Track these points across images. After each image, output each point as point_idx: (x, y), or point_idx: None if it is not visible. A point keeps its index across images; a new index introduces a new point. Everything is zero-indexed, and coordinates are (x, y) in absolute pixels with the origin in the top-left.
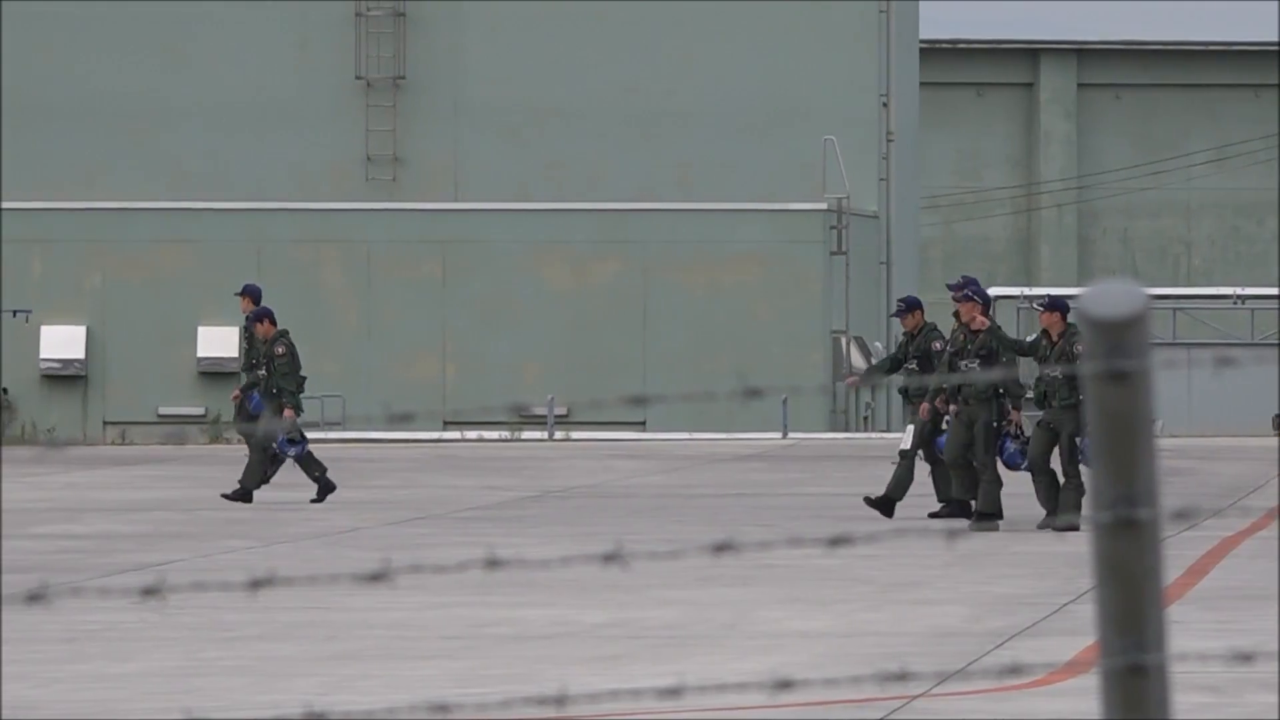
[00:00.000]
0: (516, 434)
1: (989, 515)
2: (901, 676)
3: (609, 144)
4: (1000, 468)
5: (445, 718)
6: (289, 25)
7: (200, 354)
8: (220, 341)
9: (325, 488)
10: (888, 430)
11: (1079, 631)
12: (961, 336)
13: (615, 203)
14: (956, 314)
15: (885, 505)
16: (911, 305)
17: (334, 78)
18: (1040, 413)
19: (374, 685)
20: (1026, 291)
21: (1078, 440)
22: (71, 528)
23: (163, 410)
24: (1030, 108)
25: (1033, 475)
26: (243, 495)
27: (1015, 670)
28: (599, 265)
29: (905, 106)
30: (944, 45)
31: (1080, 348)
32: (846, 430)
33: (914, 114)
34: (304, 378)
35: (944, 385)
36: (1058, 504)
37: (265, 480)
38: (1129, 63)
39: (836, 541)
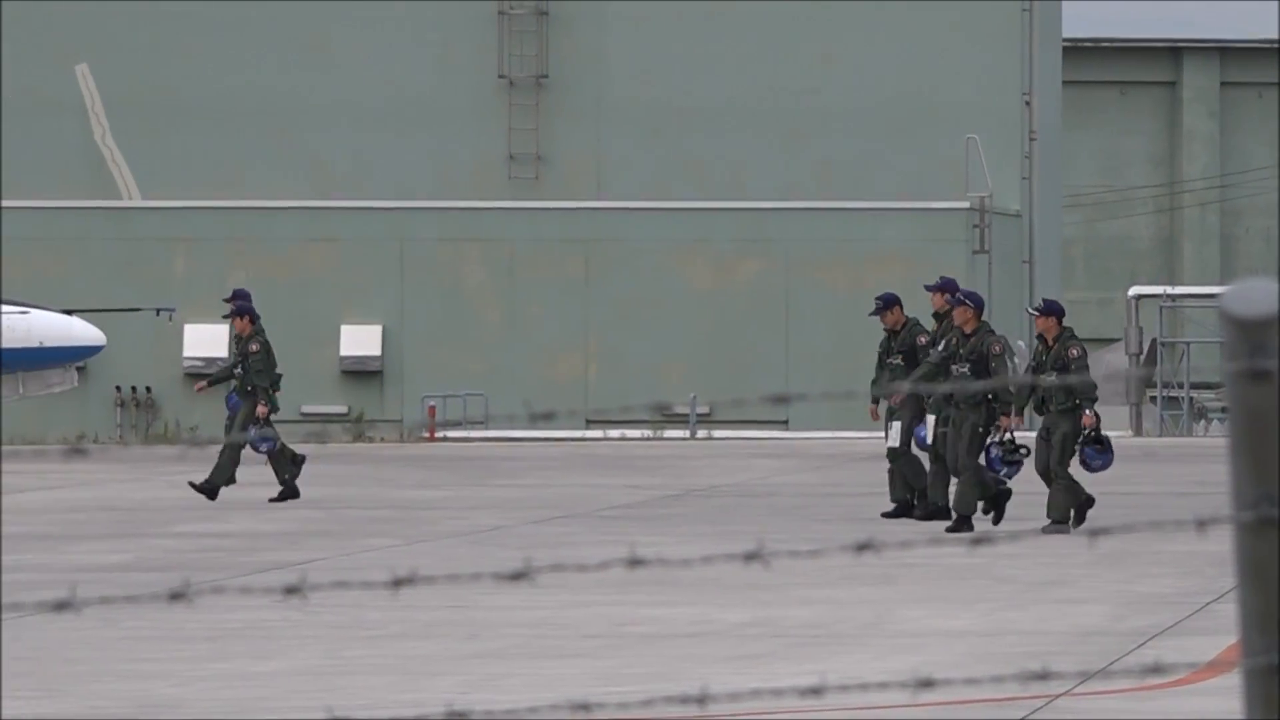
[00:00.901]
0: (658, 433)
1: (966, 519)
2: (1043, 675)
3: (751, 143)
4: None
5: (587, 717)
6: (432, 24)
7: (343, 353)
8: (363, 340)
9: (290, 492)
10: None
11: (1221, 631)
12: (955, 340)
13: (757, 201)
14: (937, 314)
15: (922, 505)
16: (889, 302)
17: (476, 76)
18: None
19: (516, 684)
20: (1169, 290)
21: (1078, 445)
22: (214, 526)
23: (305, 409)
24: (1173, 107)
25: (1046, 483)
26: (209, 490)
27: (1157, 669)
28: (741, 264)
29: (1048, 105)
30: (1086, 44)
31: (1075, 351)
32: None
33: (1056, 113)
34: (279, 375)
35: (915, 389)
36: (1066, 509)
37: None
38: (1272, 61)
39: (978, 540)
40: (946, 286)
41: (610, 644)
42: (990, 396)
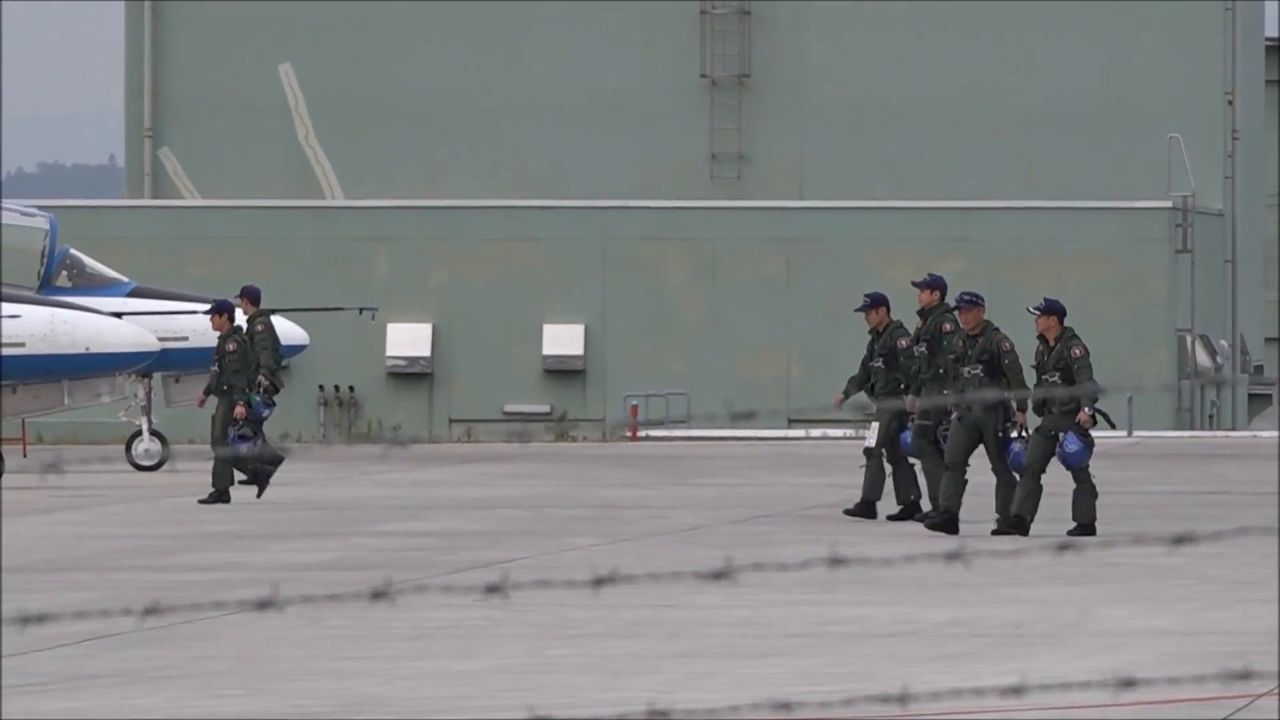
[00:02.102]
0: (860, 432)
1: (1020, 520)
2: (1245, 675)
3: (952, 142)
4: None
5: (787, 717)
6: (634, 24)
7: (545, 351)
8: (565, 339)
9: (220, 496)
10: (1233, 429)
11: None
12: (960, 342)
13: (959, 201)
14: (921, 312)
15: (866, 509)
16: (877, 301)
17: (678, 76)
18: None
19: (718, 683)
20: None
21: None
22: (417, 525)
23: (508, 408)
24: None
25: (1020, 477)
26: (218, 496)
27: None
28: (942, 263)
29: (1250, 104)
30: None
31: (1077, 351)
32: (1192, 428)
33: (1259, 112)
34: (257, 372)
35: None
36: (1025, 511)
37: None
38: None
39: (1180, 540)
40: (935, 284)
41: (811, 643)
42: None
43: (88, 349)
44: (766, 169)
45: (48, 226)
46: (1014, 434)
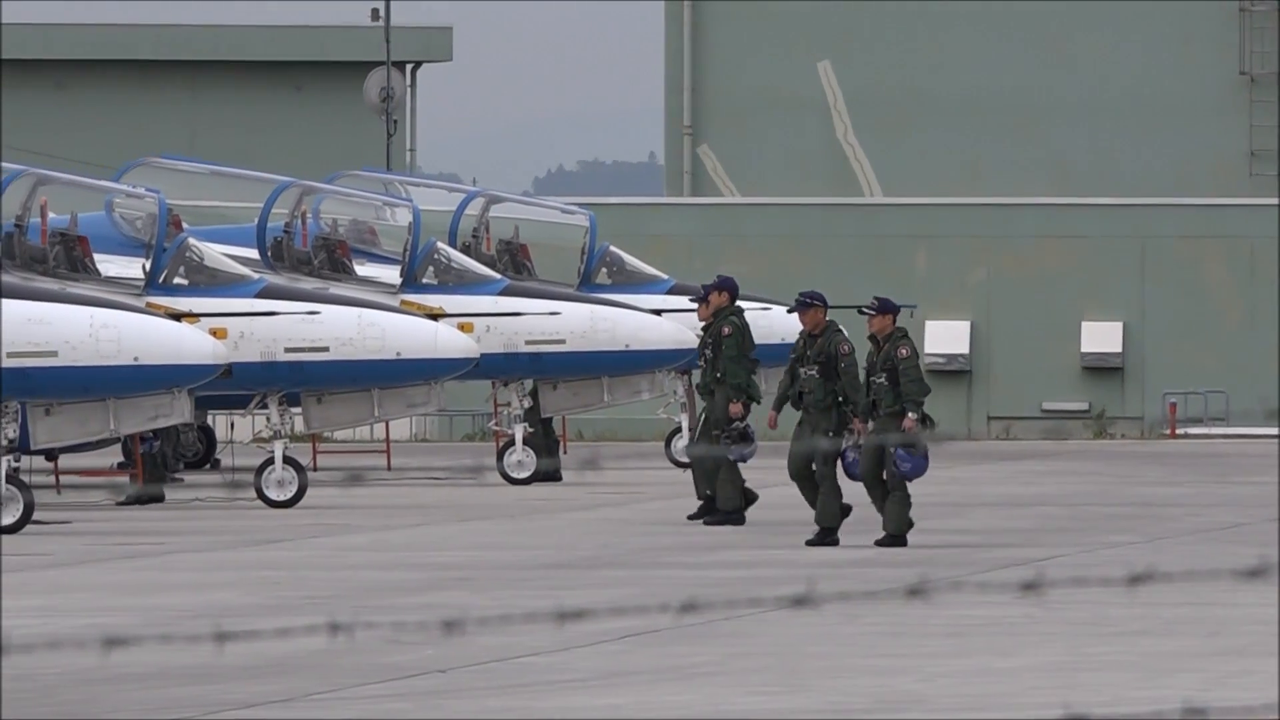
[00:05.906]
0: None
1: (830, 530)
2: None
3: None
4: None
5: None
6: (1172, 22)
7: (1084, 349)
8: (1104, 337)
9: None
10: None
11: None
12: (801, 343)
13: None
14: (716, 313)
15: (710, 510)
16: (709, 290)
17: (1217, 73)
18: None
19: (1255, 681)
20: None
21: (894, 450)
22: (956, 522)
23: (1046, 405)
24: None
25: (866, 489)
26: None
27: None
28: None
29: None
30: None
31: (904, 351)
32: None
33: None
34: None
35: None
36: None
37: None
38: None
39: None
40: (723, 286)
41: None
42: (840, 400)
43: (628, 346)
44: None
45: (588, 224)
46: (849, 442)
